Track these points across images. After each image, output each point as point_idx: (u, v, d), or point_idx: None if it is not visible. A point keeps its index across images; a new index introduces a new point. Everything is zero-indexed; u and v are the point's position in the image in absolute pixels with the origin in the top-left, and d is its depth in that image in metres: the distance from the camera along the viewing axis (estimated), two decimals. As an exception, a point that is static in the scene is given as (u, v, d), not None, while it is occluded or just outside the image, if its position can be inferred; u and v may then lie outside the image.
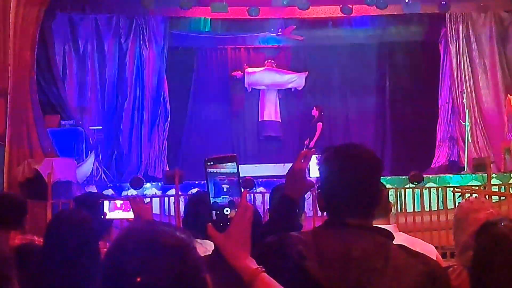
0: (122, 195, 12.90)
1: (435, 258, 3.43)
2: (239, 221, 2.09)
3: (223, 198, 2.11)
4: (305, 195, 2.95)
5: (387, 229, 2.48)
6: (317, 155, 2.73)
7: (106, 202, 4.24)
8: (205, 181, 2.13)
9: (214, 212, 2.12)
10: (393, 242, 2.40)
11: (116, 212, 4.21)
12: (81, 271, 3.31)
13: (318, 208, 2.63)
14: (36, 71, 13.25)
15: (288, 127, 18.58)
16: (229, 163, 2.13)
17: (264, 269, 2.09)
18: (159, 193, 13.42)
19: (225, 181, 2.12)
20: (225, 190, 2.12)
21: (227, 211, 2.10)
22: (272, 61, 18.25)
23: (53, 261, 3.38)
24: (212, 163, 2.13)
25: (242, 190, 2.13)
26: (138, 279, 1.48)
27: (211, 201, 2.12)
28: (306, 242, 2.31)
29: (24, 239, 4.59)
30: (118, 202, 4.28)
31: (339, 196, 2.42)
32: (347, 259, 2.27)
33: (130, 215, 4.07)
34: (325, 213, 2.50)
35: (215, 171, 2.12)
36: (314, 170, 2.76)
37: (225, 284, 1.96)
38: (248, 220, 2.10)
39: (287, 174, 2.73)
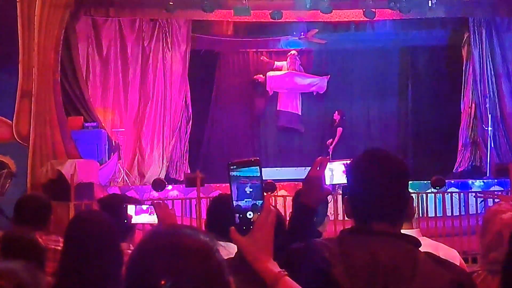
0: (144, 197, 12.93)
1: (458, 263, 3.43)
2: (262, 224, 2.10)
3: (246, 201, 2.12)
4: (328, 199, 2.94)
5: (412, 234, 2.48)
6: (344, 163, 2.71)
7: (131, 206, 4.25)
8: (228, 184, 2.14)
9: (237, 215, 2.13)
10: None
11: (142, 215, 4.22)
12: (101, 272, 3.33)
13: (339, 212, 2.64)
14: (60, 73, 13.34)
15: (309, 130, 18.51)
16: (253, 167, 2.14)
17: (286, 273, 2.10)
18: (180, 195, 13.45)
19: (248, 185, 2.12)
20: (248, 193, 2.13)
21: (250, 214, 2.11)
22: (296, 52, 18.18)
23: (74, 262, 3.40)
24: (235, 167, 2.14)
25: (265, 194, 2.14)
26: (162, 282, 1.50)
27: (234, 204, 2.13)
28: (332, 249, 2.32)
29: (48, 239, 4.63)
30: (144, 206, 4.29)
31: (366, 202, 2.41)
32: (374, 266, 2.26)
33: (154, 219, 4.09)
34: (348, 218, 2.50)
35: (238, 175, 2.13)
36: (329, 177, 2.72)
37: (249, 287, 1.98)
38: (270, 224, 2.11)
39: (303, 182, 2.72)
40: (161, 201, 4.66)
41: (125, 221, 4.14)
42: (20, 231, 4.36)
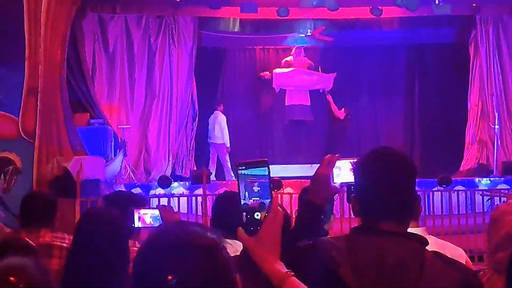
0: (149, 194, 12.94)
1: (464, 262, 3.41)
2: (269, 225, 2.09)
3: (253, 200, 2.12)
4: (334, 197, 2.93)
5: (418, 233, 2.47)
6: (351, 161, 2.71)
7: (136, 215, 4.28)
8: (234, 181, 2.13)
9: (244, 214, 2.13)
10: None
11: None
12: (110, 268, 3.33)
13: (344, 210, 2.63)
14: (66, 69, 13.35)
15: (315, 127, 18.49)
16: (261, 168, 2.14)
17: (293, 273, 2.10)
18: (186, 192, 13.46)
19: (256, 183, 2.12)
20: (255, 191, 2.12)
21: (257, 215, 2.11)
22: (300, 48, 18.19)
23: (83, 258, 3.40)
24: (244, 167, 2.14)
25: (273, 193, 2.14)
26: (169, 278, 1.51)
27: (242, 203, 2.13)
28: (339, 248, 2.31)
29: (54, 236, 4.63)
30: (148, 219, 4.31)
31: (374, 201, 2.41)
32: (381, 266, 2.25)
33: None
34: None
35: (246, 173, 2.13)
36: (337, 176, 2.72)
37: (254, 285, 1.97)
38: (278, 225, 2.10)
39: (311, 180, 2.71)
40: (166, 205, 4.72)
41: (133, 225, 4.17)
42: (8, 235, 4.37)
